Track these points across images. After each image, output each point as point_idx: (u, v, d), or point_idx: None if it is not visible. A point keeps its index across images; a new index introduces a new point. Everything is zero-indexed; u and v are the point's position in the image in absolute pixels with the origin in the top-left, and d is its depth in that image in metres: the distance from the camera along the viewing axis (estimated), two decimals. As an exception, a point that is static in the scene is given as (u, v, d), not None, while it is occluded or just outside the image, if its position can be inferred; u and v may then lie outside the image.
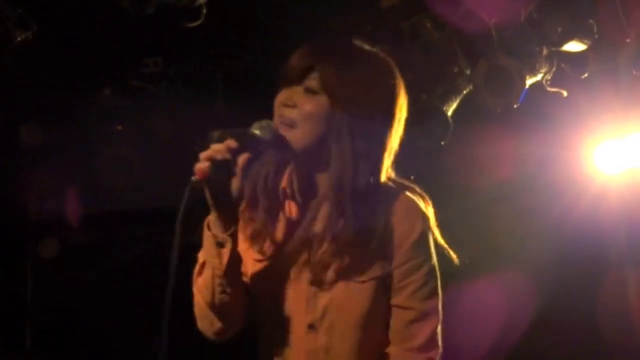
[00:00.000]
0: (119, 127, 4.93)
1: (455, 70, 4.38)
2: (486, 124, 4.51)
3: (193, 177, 2.10)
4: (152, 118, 4.92)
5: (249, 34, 4.40)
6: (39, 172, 4.99)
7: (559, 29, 3.97)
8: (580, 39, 3.98)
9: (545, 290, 5.01)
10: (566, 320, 5.08)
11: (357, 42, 2.27)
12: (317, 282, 2.20)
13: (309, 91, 2.16)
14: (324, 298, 2.20)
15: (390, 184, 2.28)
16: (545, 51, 4.10)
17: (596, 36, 3.97)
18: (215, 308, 2.23)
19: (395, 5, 4.39)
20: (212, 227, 2.17)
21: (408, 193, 2.28)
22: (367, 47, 2.27)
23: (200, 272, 2.23)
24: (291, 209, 2.27)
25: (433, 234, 2.30)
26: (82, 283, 5.39)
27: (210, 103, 4.59)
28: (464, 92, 4.42)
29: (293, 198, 2.26)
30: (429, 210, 2.30)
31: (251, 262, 2.29)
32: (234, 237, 2.16)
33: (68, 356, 5.44)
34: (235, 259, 2.19)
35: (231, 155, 2.10)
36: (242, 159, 2.11)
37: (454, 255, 2.40)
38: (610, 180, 4.74)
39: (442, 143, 4.43)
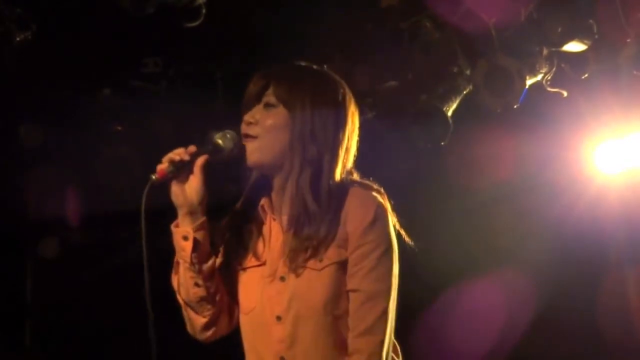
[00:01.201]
0: (119, 127, 4.92)
1: (455, 70, 4.38)
2: (486, 124, 4.51)
3: (153, 176, 2.32)
4: (152, 118, 4.91)
5: (249, 34, 4.39)
6: (39, 172, 4.98)
7: (559, 29, 3.97)
8: (580, 39, 3.98)
9: (545, 290, 5.01)
10: (566, 320, 5.08)
11: (305, 63, 2.47)
12: (282, 278, 2.36)
13: (268, 106, 2.37)
14: (288, 290, 2.34)
15: (347, 182, 2.41)
16: (545, 51, 4.10)
17: (596, 36, 3.97)
18: (193, 304, 2.40)
19: (395, 5, 4.39)
20: (179, 223, 2.37)
21: (360, 187, 2.40)
22: (315, 66, 2.47)
23: (175, 272, 2.42)
24: (271, 223, 2.43)
25: (388, 223, 2.37)
26: (81, 283, 5.40)
27: (210, 103, 4.59)
28: (464, 92, 4.42)
29: (271, 212, 2.42)
30: (385, 202, 2.39)
31: (235, 271, 2.46)
32: (200, 231, 2.36)
33: (68, 356, 5.44)
34: (201, 251, 2.36)
35: (189, 157, 2.35)
36: (200, 160, 2.35)
37: (408, 240, 2.45)
38: (610, 180, 4.74)
39: (442, 143, 4.43)
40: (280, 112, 2.36)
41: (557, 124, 4.53)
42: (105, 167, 4.96)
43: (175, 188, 2.35)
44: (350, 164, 2.43)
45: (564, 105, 4.30)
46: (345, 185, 2.38)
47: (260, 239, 2.42)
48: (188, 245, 2.34)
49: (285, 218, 2.38)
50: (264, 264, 2.39)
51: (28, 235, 5.51)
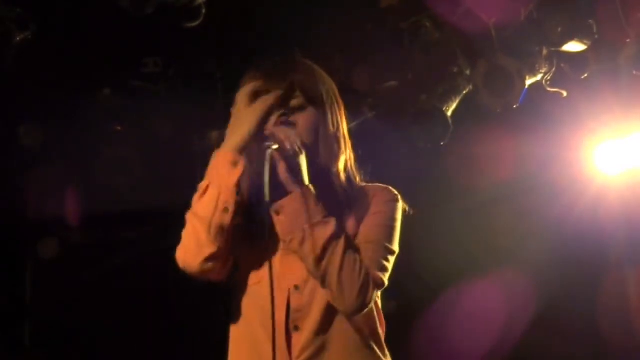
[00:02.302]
0: (118, 127, 4.92)
1: (455, 70, 4.38)
2: (486, 124, 4.51)
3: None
4: (152, 118, 4.91)
5: (249, 33, 4.39)
6: (39, 172, 4.98)
7: (559, 29, 3.97)
8: (580, 39, 3.98)
9: (545, 290, 5.01)
10: (566, 320, 5.08)
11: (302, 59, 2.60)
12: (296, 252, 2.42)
13: (299, 109, 2.45)
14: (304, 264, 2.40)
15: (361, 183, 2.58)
16: (545, 51, 4.11)
17: (596, 36, 3.97)
18: (212, 229, 2.38)
19: (395, 5, 4.39)
20: (227, 150, 2.39)
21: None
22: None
23: (202, 195, 2.40)
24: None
25: (399, 212, 2.52)
26: (81, 283, 5.39)
27: (210, 103, 4.58)
28: (464, 92, 4.42)
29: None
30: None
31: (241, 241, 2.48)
32: (245, 164, 2.39)
33: (67, 356, 5.44)
34: (239, 185, 2.39)
35: None
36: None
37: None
38: (610, 180, 4.74)
39: (442, 143, 4.43)
40: (311, 112, 2.46)
41: (557, 124, 4.53)
42: (105, 167, 4.96)
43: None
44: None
45: (563, 105, 4.30)
46: (364, 186, 2.54)
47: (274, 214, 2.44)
48: (237, 172, 2.37)
49: (275, 207, 2.41)
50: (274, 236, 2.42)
51: (28, 235, 5.50)
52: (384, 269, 2.42)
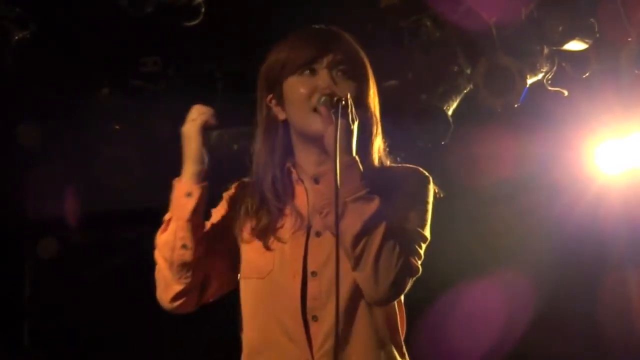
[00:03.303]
0: (117, 127, 4.91)
1: (456, 69, 4.37)
2: (487, 124, 4.50)
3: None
4: (151, 117, 4.90)
5: (249, 33, 4.38)
6: (38, 172, 4.98)
7: (560, 28, 3.96)
8: (581, 38, 3.97)
9: (546, 290, 5.00)
10: (567, 320, 5.07)
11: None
12: (317, 233, 2.30)
13: (346, 76, 2.31)
14: (326, 245, 2.26)
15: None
16: (546, 50, 4.09)
17: (597, 35, 3.96)
18: (174, 266, 2.32)
19: (395, 5, 4.38)
20: (183, 180, 2.34)
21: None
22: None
23: (164, 229, 2.35)
24: (295, 184, 2.38)
25: (431, 194, 2.40)
26: (80, 283, 5.39)
27: (210, 102, 4.57)
28: (465, 91, 4.41)
29: (297, 175, 2.38)
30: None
31: (234, 241, 2.41)
32: (204, 191, 2.32)
33: (66, 356, 5.43)
34: (200, 212, 2.33)
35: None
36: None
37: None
38: (611, 180, 4.72)
39: (443, 143, 4.42)
40: (359, 84, 2.34)
41: (557, 124, 4.52)
42: (105, 166, 4.95)
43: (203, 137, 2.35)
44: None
45: (564, 104, 4.28)
46: (393, 166, 2.42)
47: (280, 200, 2.35)
48: (191, 203, 2.30)
49: (314, 175, 2.33)
50: (282, 225, 2.33)
51: (27, 234, 5.50)
52: (418, 256, 2.30)
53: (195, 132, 2.36)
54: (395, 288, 2.21)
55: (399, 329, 2.37)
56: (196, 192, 2.30)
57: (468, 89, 4.39)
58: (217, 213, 2.46)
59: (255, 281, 2.34)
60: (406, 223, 2.29)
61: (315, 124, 2.27)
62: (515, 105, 4.16)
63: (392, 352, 2.33)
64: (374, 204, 2.18)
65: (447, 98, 4.40)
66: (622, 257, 4.95)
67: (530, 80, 4.14)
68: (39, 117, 4.84)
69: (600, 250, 4.91)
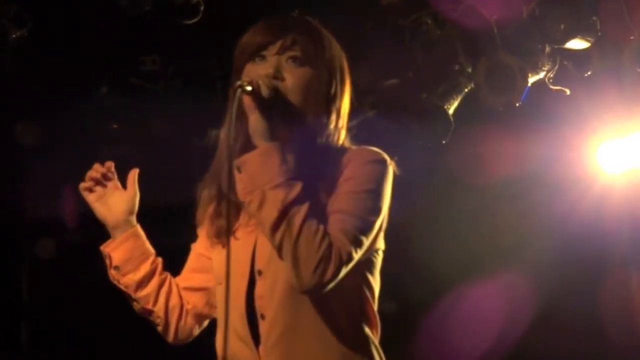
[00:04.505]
0: (115, 126, 4.89)
1: (457, 68, 4.36)
2: (488, 123, 4.49)
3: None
4: (150, 116, 4.89)
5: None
6: (36, 172, 4.96)
7: (562, 27, 3.95)
8: (583, 37, 3.96)
9: (548, 290, 4.99)
10: (569, 320, 5.06)
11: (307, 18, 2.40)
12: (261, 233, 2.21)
13: (295, 62, 2.23)
14: (268, 245, 2.15)
15: (350, 145, 2.33)
16: (547, 49, 4.08)
17: (599, 34, 3.94)
18: (141, 314, 2.45)
19: (395, 3, 4.37)
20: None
21: (367, 147, 2.29)
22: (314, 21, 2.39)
23: None
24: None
25: (388, 177, 2.24)
26: (79, 283, 5.37)
27: (209, 101, 4.55)
28: (465, 90, 4.40)
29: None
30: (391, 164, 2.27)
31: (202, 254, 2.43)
32: (114, 252, 2.46)
33: (65, 356, 5.42)
34: (118, 270, 2.47)
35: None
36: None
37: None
38: (613, 179, 4.71)
39: (444, 142, 4.41)
40: (307, 71, 2.24)
41: (559, 123, 4.50)
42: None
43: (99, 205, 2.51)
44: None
45: (566, 103, 4.27)
46: (347, 148, 2.28)
47: (226, 203, 2.25)
48: (109, 266, 2.47)
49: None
50: (239, 222, 2.28)
51: (25, 234, 5.48)
52: (356, 243, 2.11)
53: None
54: (319, 275, 2.06)
55: (362, 322, 2.25)
56: (106, 257, 2.49)
57: (469, 87, 4.37)
58: (195, 252, 2.48)
59: (218, 287, 2.33)
60: (342, 206, 2.14)
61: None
62: (517, 104, 4.14)
63: (354, 339, 2.22)
64: (295, 189, 2.07)
65: (448, 97, 4.38)
66: (624, 256, 4.94)
67: (531, 79, 4.12)
68: (36, 116, 4.82)
69: (602, 250, 4.90)
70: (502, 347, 5.02)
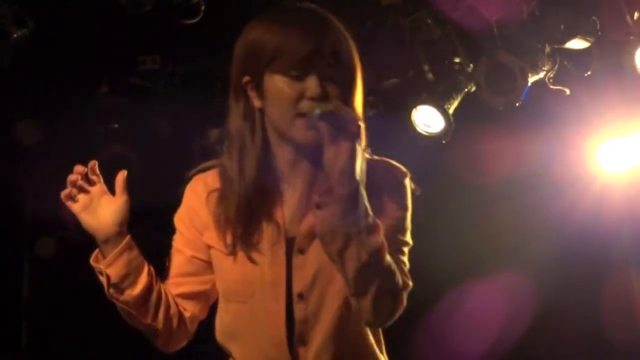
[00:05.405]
0: (116, 125, 4.89)
1: (457, 67, 4.36)
2: (488, 122, 4.48)
3: None
4: (150, 116, 4.89)
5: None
6: (36, 171, 4.96)
7: (562, 26, 3.95)
8: (583, 36, 3.96)
9: (548, 290, 4.98)
10: (569, 321, 5.05)
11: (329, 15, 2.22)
12: (300, 250, 2.12)
13: (333, 79, 2.08)
14: (311, 264, 2.10)
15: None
16: (547, 48, 4.08)
17: (599, 33, 3.95)
18: (140, 330, 2.32)
19: (395, 2, 4.38)
20: (98, 254, 2.29)
21: (385, 160, 2.23)
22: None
23: None
24: (275, 197, 2.16)
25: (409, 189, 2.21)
26: (79, 283, 5.36)
27: (209, 101, 4.56)
28: (465, 89, 4.40)
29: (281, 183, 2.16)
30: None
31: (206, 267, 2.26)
32: (109, 269, 2.22)
33: (64, 356, 5.41)
34: (117, 288, 2.24)
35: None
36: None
37: None
38: (613, 179, 4.70)
39: (444, 142, 4.41)
40: (358, 88, 2.14)
41: (559, 122, 4.50)
42: (103, 165, 4.93)
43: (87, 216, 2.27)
44: None
45: (566, 103, 4.27)
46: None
47: (265, 204, 2.13)
48: (104, 281, 2.22)
49: (301, 185, 2.12)
50: (260, 236, 2.12)
51: (25, 234, 5.48)
52: (408, 271, 2.15)
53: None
54: (393, 315, 2.09)
55: (381, 332, 2.27)
56: (102, 273, 2.24)
57: (469, 87, 4.38)
58: (178, 256, 2.30)
59: (236, 305, 2.18)
60: (397, 245, 2.12)
61: (300, 132, 2.05)
62: (517, 104, 4.15)
63: (376, 354, 2.23)
64: (378, 233, 1.98)
65: (448, 96, 4.39)
66: (624, 256, 4.93)
67: (531, 79, 4.13)
68: (37, 116, 4.82)
69: (603, 249, 4.89)
70: (502, 347, 5.01)
